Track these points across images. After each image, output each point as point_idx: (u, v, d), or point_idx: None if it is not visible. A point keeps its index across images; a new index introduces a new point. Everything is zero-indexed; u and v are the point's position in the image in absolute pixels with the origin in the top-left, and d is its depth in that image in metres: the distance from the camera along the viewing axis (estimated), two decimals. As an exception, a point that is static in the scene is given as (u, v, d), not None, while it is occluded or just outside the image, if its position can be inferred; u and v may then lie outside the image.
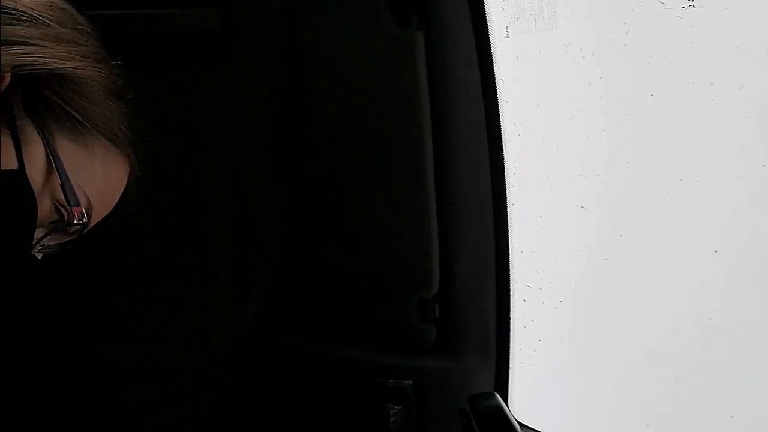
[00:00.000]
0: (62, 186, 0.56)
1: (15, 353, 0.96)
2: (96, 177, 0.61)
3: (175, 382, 1.06)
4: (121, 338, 1.04)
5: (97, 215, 0.63)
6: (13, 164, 0.53)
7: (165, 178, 0.70)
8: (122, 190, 0.66)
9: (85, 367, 1.03)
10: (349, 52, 0.90)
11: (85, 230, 0.62)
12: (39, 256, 0.60)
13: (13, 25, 0.52)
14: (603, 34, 0.83)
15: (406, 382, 0.95)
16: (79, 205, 0.58)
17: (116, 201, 0.66)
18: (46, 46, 0.54)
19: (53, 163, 0.56)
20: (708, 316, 0.85)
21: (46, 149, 0.56)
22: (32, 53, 0.53)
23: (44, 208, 0.57)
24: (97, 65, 0.59)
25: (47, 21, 0.55)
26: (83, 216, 0.58)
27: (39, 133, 0.55)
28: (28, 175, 0.54)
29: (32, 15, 0.54)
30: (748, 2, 0.74)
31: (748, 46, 0.76)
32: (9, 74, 0.51)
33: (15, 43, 0.52)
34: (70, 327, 1.01)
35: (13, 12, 0.53)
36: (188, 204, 1.01)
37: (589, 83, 0.85)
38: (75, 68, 0.56)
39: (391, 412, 0.96)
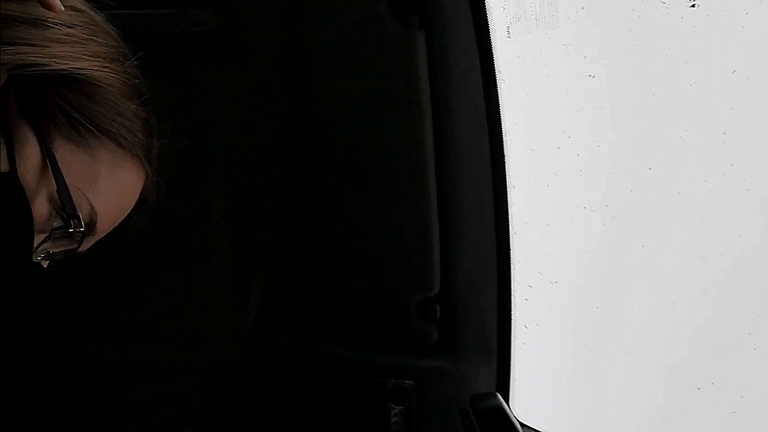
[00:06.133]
0: (58, 190, 0.54)
1: (14, 354, 0.96)
2: (101, 182, 0.58)
3: (175, 382, 1.05)
4: (120, 338, 1.04)
5: (107, 221, 0.60)
6: (5, 166, 0.51)
7: (165, 178, 0.69)
8: (136, 196, 0.63)
9: (85, 367, 1.02)
10: (349, 52, 0.90)
11: (97, 236, 0.60)
12: (44, 264, 0.58)
13: (14, 26, 0.51)
14: (604, 34, 0.83)
15: (407, 382, 0.95)
16: (75, 209, 0.55)
17: (130, 207, 0.63)
18: (47, 47, 0.52)
19: (49, 165, 0.53)
20: (711, 317, 0.85)
21: (42, 151, 0.54)
22: (31, 54, 0.51)
23: (41, 212, 0.54)
24: (107, 65, 0.57)
25: (53, 22, 0.53)
26: (80, 222, 0.56)
27: (35, 135, 0.53)
28: (22, 178, 0.52)
29: (35, 16, 0.52)
30: (750, 3, 0.74)
31: (749, 46, 0.75)
32: (5, 75, 0.50)
33: (13, 44, 0.51)
34: (69, 327, 1.00)
35: (15, 13, 0.51)
36: (188, 204, 1.00)
37: (591, 83, 0.85)
38: (79, 68, 0.54)
39: (392, 413, 0.96)
